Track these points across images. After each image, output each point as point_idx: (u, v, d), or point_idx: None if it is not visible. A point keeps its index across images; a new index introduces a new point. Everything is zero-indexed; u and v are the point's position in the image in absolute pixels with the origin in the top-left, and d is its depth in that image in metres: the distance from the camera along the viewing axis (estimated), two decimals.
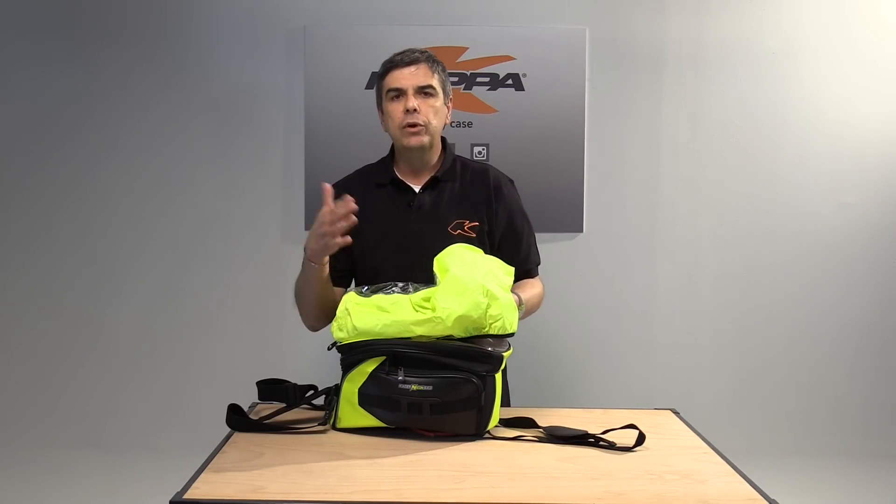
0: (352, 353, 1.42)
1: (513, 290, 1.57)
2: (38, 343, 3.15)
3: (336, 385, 1.47)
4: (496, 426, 1.44)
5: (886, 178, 3.14)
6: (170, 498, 1.10)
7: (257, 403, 1.58)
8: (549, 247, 2.83)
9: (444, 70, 1.80)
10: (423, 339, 1.39)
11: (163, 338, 3.15)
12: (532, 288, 1.79)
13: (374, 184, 1.83)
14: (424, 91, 1.74)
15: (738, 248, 3.15)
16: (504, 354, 1.42)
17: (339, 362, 1.45)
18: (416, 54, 1.76)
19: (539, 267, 1.91)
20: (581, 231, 3.11)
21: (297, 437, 1.40)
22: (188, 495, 1.11)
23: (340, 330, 1.42)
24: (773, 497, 1.14)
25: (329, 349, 1.48)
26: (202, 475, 1.19)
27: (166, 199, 3.13)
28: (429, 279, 1.53)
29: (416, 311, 1.41)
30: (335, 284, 1.76)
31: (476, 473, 1.22)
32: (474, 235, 1.77)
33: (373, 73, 2.95)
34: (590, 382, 3.13)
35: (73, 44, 3.09)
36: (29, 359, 3.16)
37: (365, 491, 1.14)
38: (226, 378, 3.03)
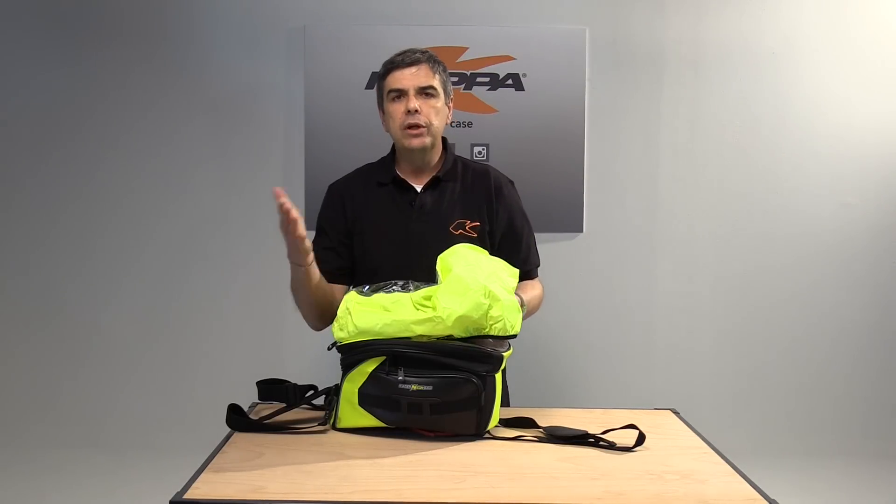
0: (352, 353, 1.42)
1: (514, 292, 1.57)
2: (37, 342, 3.15)
3: (336, 385, 1.47)
4: (496, 426, 1.44)
5: (886, 178, 3.13)
6: (170, 498, 1.10)
7: (257, 403, 1.58)
8: (549, 247, 2.83)
9: (445, 70, 1.80)
10: (424, 339, 1.39)
11: (163, 337, 3.14)
12: (532, 289, 1.79)
13: (374, 183, 1.83)
14: (426, 92, 1.74)
15: (738, 248, 3.15)
16: (504, 354, 1.42)
17: (339, 362, 1.45)
18: (418, 55, 1.76)
19: (538, 268, 1.92)
20: (581, 231, 3.11)
21: (297, 437, 1.40)
22: (188, 495, 1.11)
23: (342, 329, 1.42)
24: (773, 497, 1.14)
25: (329, 349, 1.48)
26: (202, 475, 1.19)
27: (166, 199, 3.13)
28: (429, 278, 1.53)
29: (417, 309, 1.41)
30: (335, 282, 1.76)
31: (476, 473, 1.22)
32: (475, 235, 1.77)
33: (373, 73, 2.95)
34: (590, 382, 3.13)
35: (73, 44, 3.09)
36: (29, 358, 3.15)
37: (365, 491, 1.14)
38: (225, 378, 3.03)
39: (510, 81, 3.05)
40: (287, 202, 1.46)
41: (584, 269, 3.12)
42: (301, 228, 1.51)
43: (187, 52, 3.10)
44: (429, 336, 1.39)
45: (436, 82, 1.75)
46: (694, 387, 3.10)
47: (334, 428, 1.44)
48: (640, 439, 1.36)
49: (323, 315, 1.71)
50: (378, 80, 1.81)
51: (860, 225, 3.14)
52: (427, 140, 1.75)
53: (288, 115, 3.09)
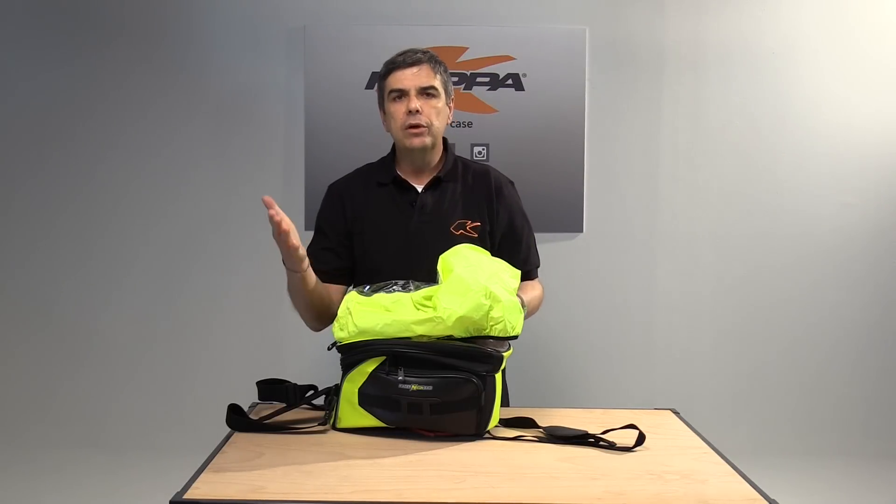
0: (352, 353, 1.42)
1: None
2: (37, 342, 3.15)
3: (336, 385, 1.47)
4: (496, 426, 1.44)
5: (886, 178, 3.13)
6: (170, 498, 1.10)
7: (257, 403, 1.58)
8: (549, 247, 2.83)
9: (445, 70, 1.80)
10: (424, 339, 1.39)
11: (163, 337, 3.14)
12: (532, 290, 1.79)
13: (375, 183, 1.83)
14: (427, 92, 1.74)
15: (738, 248, 3.15)
16: (504, 355, 1.42)
17: (339, 362, 1.44)
18: (419, 55, 1.75)
19: (539, 269, 1.92)
20: (581, 231, 3.11)
21: (297, 437, 1.40)
22: (188, 495, 1.11)
23: (342, 329, 1.42)
24: (773, 497, 1.14)
25: (329, 349, 1.48)
26: (202, 475, 1.19)
27: (166, 199, 3.13)
28: (430, 279, 1.53)
29: (418, 309, 1.41)
30: (333, 282, 1.76)
31: (476, 473, 1.22)
32: (476, 236, 1.77)
33: (373, 73, 2.95)
34: (590, 382, 3.13)
35: (73, 44, 3.09)
36: (29, 358, 3.15)
37: (365, 491, 1.14)
38: (225, 378, 3.04)
39: (510, 81, 3.05)
40: (278, 213, 1.45)
41: (584, 269, 3.12)
42: (294, 238, 1.49)
43: (187, 52, 3.10)
44: (429, 336, 1.39)
45: (437, 82, 1.75)
46: (694, 387, 3.10)
47: (334, 428, 1.44)
48: (640, 439, 1.36)
49: (320, 317, 1.71)
50: (379, 80, 1.81)
51: (860, 225, 3.14)
52: (428, 140, 1.75)
53: (288, 115, 3.09)
